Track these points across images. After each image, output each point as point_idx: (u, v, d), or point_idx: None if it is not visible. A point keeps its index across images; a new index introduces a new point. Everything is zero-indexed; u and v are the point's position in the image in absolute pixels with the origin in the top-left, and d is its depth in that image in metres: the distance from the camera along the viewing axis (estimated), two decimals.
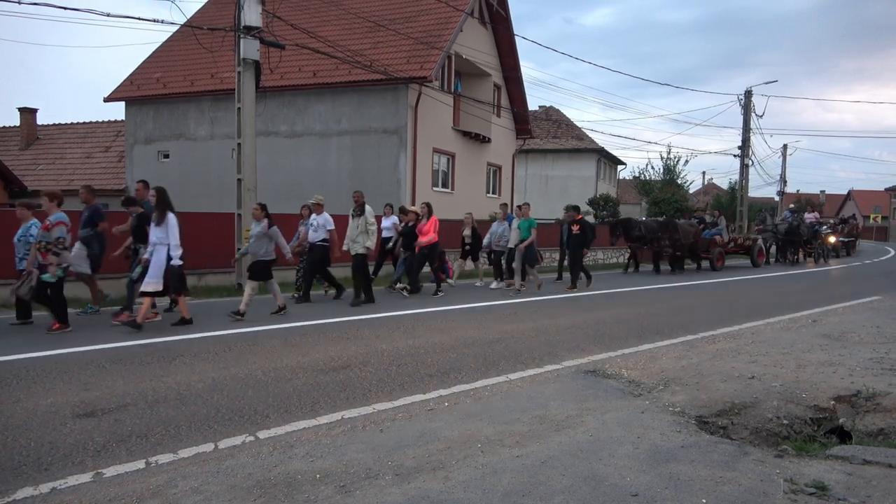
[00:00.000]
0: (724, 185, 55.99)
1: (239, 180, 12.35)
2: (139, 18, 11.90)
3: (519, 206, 13.85)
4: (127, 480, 3.59)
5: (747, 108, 31.02)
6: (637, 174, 42.69)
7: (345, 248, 10.96)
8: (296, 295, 11.18)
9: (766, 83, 36.87)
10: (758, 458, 3.94)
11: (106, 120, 27.54)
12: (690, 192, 44.95)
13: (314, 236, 10.90)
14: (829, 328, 8.70)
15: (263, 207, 9.42)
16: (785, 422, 4.83)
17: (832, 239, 27.68)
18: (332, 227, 10.91)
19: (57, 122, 28.52)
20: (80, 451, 4.02)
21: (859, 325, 9.00)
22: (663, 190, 36.34)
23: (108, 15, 11.62)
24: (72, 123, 28.18)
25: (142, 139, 22.03)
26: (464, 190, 21.86)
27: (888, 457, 4.02)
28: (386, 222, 13.21)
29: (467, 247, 14.58)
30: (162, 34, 30.97)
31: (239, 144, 12.35)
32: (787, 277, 18.83)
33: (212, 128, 20.67)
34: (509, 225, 13.91)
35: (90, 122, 27.87)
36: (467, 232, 14.48)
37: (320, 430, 4.43)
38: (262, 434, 4.35)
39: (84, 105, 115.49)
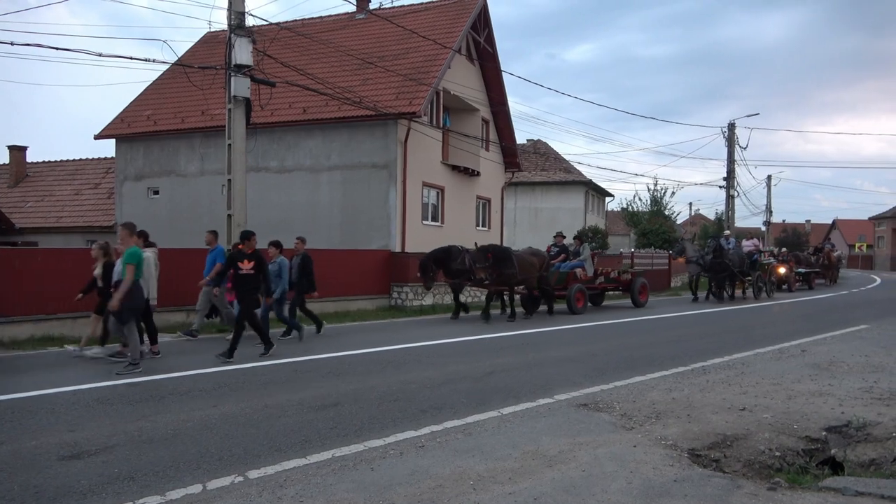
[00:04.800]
0: (711, 216, 56.85)
1: (229, 216, 12.37)
2: (130, 58, 12.07)
3: (123, 226, 8.58)
4: None
5: (731, 140, 31.58)
6: (625, 206, 43.15)
7: None
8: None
9: (748, 116, 37.69)
10: (751, 492, 3.94)
11: (95, 157, 27.56)
12: (678, 222, 45.42)
13: None
14: (818, 358, 8.74)
15: None
16: (777, 454, 4.83)
17: (782, 270, 24.21)
18: None
19: (46, 160, 28.52)
20: (66, 495, 3.95)
21: (848, 354, 9.05)
22: (651, 221, 36.74)
23: (100, 55, 11.73)
24: (61, 161, 28.16)
25: (132, 176, 22.05)
26: (453, 223, 21.95)
27: (880, 487, 4.02)
28: None
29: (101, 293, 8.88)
30: (153, 73, 31.36)
31: (229, 180, 12.41)
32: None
33: (202, 164, 20.74)
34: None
35: (80, 160, 27.86)
36: (98, 271, 8.92)
37: (310, 469, 4.38)
38: (252, 474, 4.30)
39: (74, 143, 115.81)
